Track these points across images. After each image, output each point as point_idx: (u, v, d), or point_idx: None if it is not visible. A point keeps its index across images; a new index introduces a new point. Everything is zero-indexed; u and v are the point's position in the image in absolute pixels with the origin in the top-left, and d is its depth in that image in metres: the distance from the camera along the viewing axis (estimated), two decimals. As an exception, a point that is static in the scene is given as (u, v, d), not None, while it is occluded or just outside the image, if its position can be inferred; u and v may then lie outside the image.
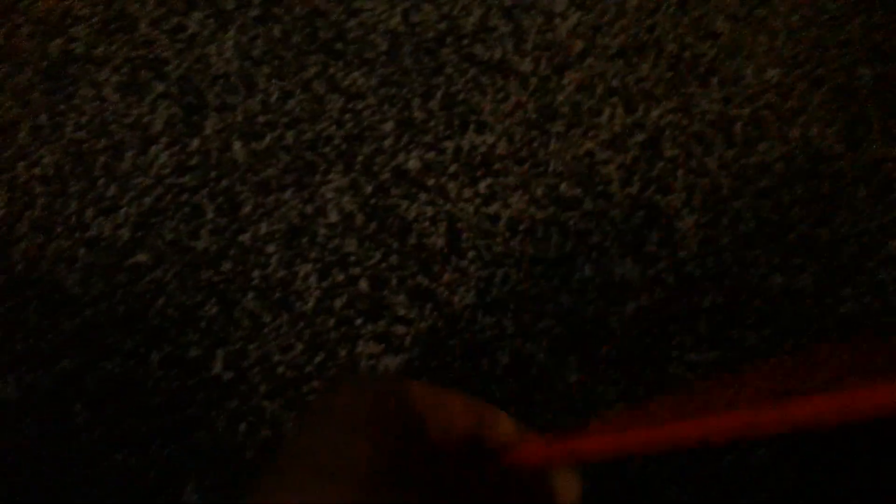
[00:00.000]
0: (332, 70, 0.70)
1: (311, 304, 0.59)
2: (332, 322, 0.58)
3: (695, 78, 0.71)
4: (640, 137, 0.68)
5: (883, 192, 0.67)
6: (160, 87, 0.69)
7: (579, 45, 0.73)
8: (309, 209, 0.63)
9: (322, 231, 0.62)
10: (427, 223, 0.63)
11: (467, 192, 0.64)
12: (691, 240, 0.63)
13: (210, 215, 0.64)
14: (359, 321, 0.59)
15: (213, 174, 0.65)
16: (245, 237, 0.62)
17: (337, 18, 0.73)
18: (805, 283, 0.61)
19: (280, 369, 0.59)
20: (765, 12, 0.76)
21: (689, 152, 0.67)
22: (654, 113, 0.69)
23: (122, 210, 0.64)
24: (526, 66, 0.71)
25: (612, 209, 0.64)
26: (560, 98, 0.70)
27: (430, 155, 0.66)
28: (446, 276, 0.61)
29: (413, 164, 0.65)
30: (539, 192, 0.65)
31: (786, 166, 0.67)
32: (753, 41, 0.75)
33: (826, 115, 0.71)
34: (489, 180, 0.65)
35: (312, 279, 0.60)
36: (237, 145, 0.66)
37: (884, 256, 0.63)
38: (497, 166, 0.66)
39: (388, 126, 0.67)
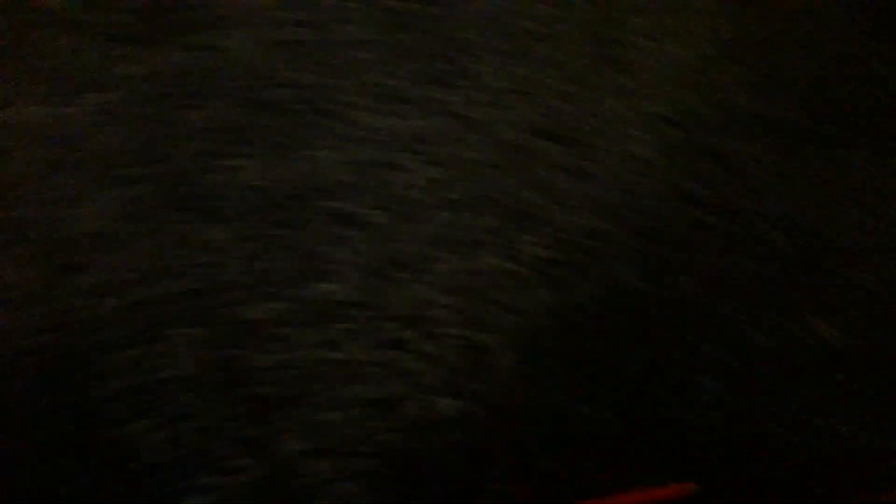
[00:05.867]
0: (189, 227, 0.77)
1: (144, 461, 0.64)
2: (162, 476, 0.63)
3: (522, 227, 0.81)
4: (471, 283, 0.76)
5: (676, 323, 0.77)
6: (19, 249, 0.74)
7: (423, 198, 0.82)
8: (160, 363, 0.68)
9: (171, 388, 0.68)
10: (267, 372, 0.69)
11: (311, 339, 0.71)
12: (509, 377, 0.71)
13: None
14: (187, 475, 0.64)
15: (65, 334, 0.70)
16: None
17: (207, 178, 0.81)
18: (605, 414, 0.70)
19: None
20: (585, 163, 0.87)
21: (513, 295, 0.76)
22: (485, 260, 0.78)
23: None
24: (374, 218, 0.80)
25: (441, 351, 0.72)
26: (403, 248, 0.78)
27: (280, 305, 0.73)
28: (277, 425, 0.67)
29: (261, 314, 0.72)
30: (376, 336, 0.72)
31: (596, 305, 0.76)
32: (576, 190, 0.85)
33: (634, 256, 0.81)
34: (332, 327, 0.72)
35: (152, 434, 0.66)
36: (103, 303, 0.72)
37: (671, 382, 0.72)
38: (340, 313, 0.73)
39: (242, 279, 0.74)
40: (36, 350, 0.68)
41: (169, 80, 0.89)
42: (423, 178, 0.83)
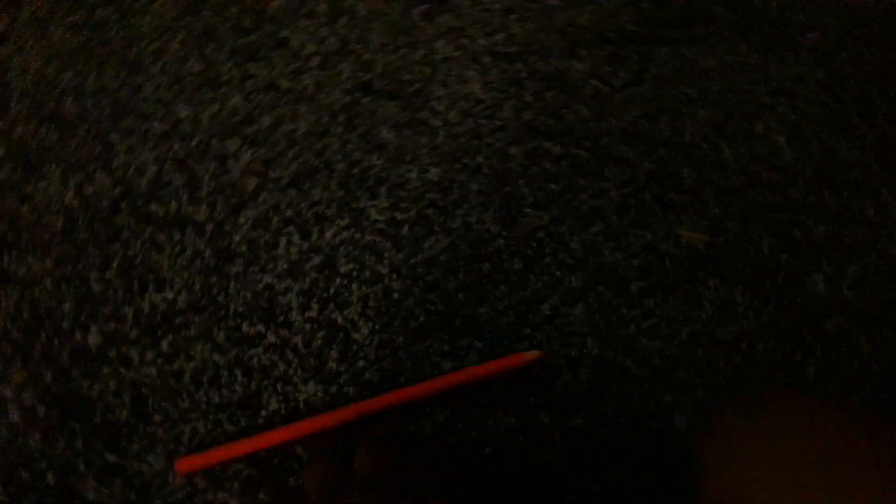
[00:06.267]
0: (5, 263, 0.71)
1: (-6, 512, 0.59)
2: (16, 525, 0.59)
3: (364, 191, 0.77)
4: (316, 261, 0.73)
5: (535, 259, 0.74)
6: None
7: (253, 182, 0.77)
8: (-13, 413, 0.63)
9: (4, 434, 0.63)
10: (111, 397, 0.65)
11: (150, 355, 0.66)
12: (368, 348, 0.68)
13: None
14: (44, 517, 0.59)
15: None
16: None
17: (8, 207, 0.75)
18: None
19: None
20: (423, 114, 0.84)
21: (362, 264, 0.73)
22: (329, 234, 0.75)
23: None
24: (201, 214, 0.75)
25: (293, 337, 0.68)
26: (237, 238, 0.74)
27: (110, 326, 0.68)
28: (135, 447, 0.63)
29: (93, 339, 0.67)
30: (221, 336, 0.68)
31: (449, 256, 0.74)
32: (416, 144, 0.82)
33: (483, 199, 0.78)
34: (170, 337, 0.67)
35: (2, 484, 0.61)
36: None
37: (538, 319, 0.71)
38: (178, 321, 0.68)
39: (66, 306, 0.69)
40: None
41: (-39, 109, 0.82)
42: (250, 160, 0.78)
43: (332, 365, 0.67)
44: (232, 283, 0.71)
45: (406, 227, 0.76)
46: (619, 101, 0.88)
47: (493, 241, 0.76)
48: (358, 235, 0.75)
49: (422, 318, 0.70)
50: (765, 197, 0.83)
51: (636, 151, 0.84)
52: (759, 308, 0.75)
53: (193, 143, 0.80)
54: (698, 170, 0.84)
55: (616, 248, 0.77)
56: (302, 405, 0.65)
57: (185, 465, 0.60)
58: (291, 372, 0.67)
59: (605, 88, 0.88)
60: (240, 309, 0.69)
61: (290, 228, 0.75)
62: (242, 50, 0.87)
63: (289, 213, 0.76)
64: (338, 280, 0.72)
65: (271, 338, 0.68)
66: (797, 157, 0.86)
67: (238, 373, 0.66)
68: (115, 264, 0.71)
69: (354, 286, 0.71)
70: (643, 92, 0.89)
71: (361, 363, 0.67)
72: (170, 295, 0.70)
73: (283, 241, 0.74)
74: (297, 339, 0.68)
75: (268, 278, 0.71)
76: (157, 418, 0.64)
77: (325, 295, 0.71)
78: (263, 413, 0.64)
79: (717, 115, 0.89)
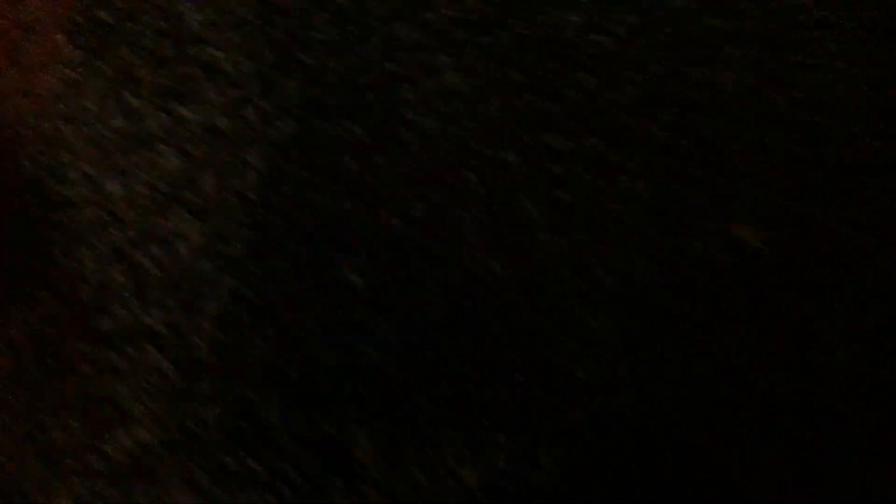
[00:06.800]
0: (-47, 426, 0.64)
1: None
2: None
3: (335, 250, 0.64)
4: (296, 357, 0.61)
5: (556, 305, 0.61)
6: None
7: (207, 265, 0.65)
8: None
9: None
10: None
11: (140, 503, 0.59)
12: (375, 468, 0.58)
13: None
14: None
15: None
16: None
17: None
18: (500, 464, 0.57)
19: None
20: (393, 127, 0.69)
21: (348, 348, 0.61)
22: (305, 317, 0.63)
23: None
24: (155, 319, 0.64)
25: (286, 467, 0.59)
26: (201, 344, 0.63)
27: (85, 483, 0.60)
28: None
29: (66, 502, 0.60)
30: (204, 479, 0.59)
31: (450, 322, 0.61)
32: (390, 174, 0.67)
33: (481, 232, 0.64)
34: (158, 476, 0.59)
35: None
36: None
37: (573, 389, 0.58)
38: (150, 464, 0.59)
39: (31, 466, 0.61)
40: None
41: None
42: (198, 239, 0.66)
43: (337, 498, 0.57)
44: (208, 408, 0.61)
45: (393, 290, 0.63)
46: (630, 56, 0.70)
47: (501, 289, 0.63)
48: (339, 313, 0.63)
49: (430, 415, 0.59)
50: (839, 154, 0.65)
51: (662, 123, 0.67)
52: (850, 318, 0.60)
53: (134, 228, 0.68)
54: (745, 133, 0.67)
55: (656, 268, 0.62)
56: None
57: None
58: (290, 494, 0.58)
59: (608, 41, 0.70)
60: (219, 438, 0.60)
61: (253, 321, 0.63)
62: (168, 89, 0.73)
63: (252, 297, 0.64)
64: (323, 376, 0.61)
65: (256, 468, 0.59)
66: (873, 88, 0.67)
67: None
68: (73, 399, 0.63)
69: (346, 385, 0.61)
70: (658, 37, 0.71)
71: (370, 491, 0.57)
72: (142, 428, 0.61)
73: (255, 339, 0.63)
74: (293, 473, 0.58)
75: (244, 392, 0.61)
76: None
77: (312, 402, 0.60)
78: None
79: (757, 52, 0.70)
